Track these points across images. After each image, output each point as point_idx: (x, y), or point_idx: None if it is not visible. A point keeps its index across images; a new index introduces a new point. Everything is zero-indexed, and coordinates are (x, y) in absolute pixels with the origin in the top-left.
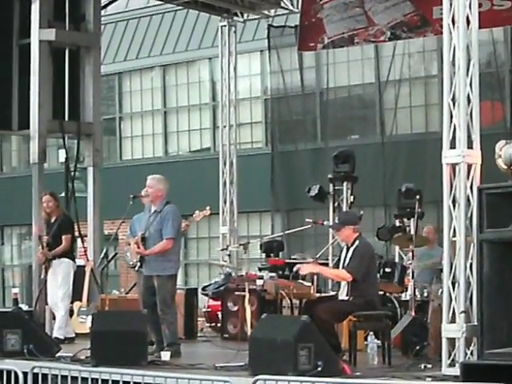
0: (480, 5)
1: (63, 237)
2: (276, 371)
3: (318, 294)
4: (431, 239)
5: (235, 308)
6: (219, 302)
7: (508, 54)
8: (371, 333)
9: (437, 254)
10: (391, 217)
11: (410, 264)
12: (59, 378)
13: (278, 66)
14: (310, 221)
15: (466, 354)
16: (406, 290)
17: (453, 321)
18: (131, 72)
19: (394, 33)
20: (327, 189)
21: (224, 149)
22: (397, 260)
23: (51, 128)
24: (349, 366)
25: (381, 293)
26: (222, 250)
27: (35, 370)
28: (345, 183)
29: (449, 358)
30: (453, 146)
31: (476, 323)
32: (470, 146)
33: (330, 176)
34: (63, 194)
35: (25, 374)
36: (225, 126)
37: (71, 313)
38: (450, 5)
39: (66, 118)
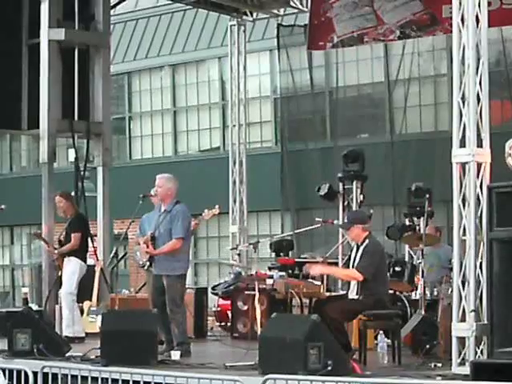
0: (489, 3)
1: (72, 235)
2: (286, 370)
3: (327, 293)
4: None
5: (245, 307)
6: (229, 302)
7: None
8: (381, 332)
9: (443, 253)
10: (401, 216)
11: (420, 263)
12: (69, 377)
13: (287, 65)
14: (320, 220)
15: (476, 353)
16: (416, 289)
17: (463, 320)
18: (141, 71)
19: (404, 32)
20: (337, 188)
21: (233, 148)
22: (406, 259)
23: (61, 127)
24: (359, 364)
25: (391, 292)
26: (232, 249)
27: (45, 370)
28: (354, 182)
29: (459, 356)
30: (462, 144)
31: (486, 322)
32: (479, 144)
33: (339, 175)
34: (73, 194)
35: (35, 373)
36: (234, 126)
37: (82, 312)
38: (460, 3)
39: (76, 118)
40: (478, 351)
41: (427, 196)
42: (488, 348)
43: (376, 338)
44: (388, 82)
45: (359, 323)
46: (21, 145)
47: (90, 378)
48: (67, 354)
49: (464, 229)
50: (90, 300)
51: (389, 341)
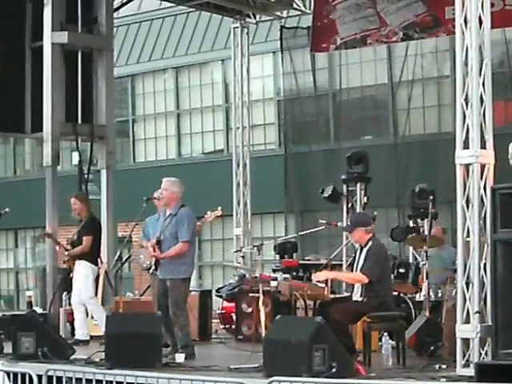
0: (492, 5)
1: (84, 238)
2: (290, 372)
3: (332, 295)
4: (440, 239)
5: (249, 309)
6: (233, 304)
7: None
8: (385, 334)
9: (447, 255)
10: (405, 217)
11: (424, 265)
12: (73, 380)
13: (290, 67)
14: (324, 222)
15: (481, 355)
16: (420, 291)
17: (467, 321)
18: (144, 74)
19: (407, 33)
20: (341, 190)
21: (237, 150)
22: (411, 261)
23: (64, 131)
24: (363, 366)
25: (395, 293)
26: (236, 251)
27: (49, 373)
28: (358, 184)
29: (463, 358)
30: (466, 146)
31: (490, 323)
32: (483, 146)
33: (343, 177)
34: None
35: (39, 376)
36: (238, 128)
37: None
38: (463, 5)
39: (79, 121)
40: (483, 353)
41: (431, 197)
42: (492, 349)
43: (380, 339)
44: (391, 84)
45: (363, 325)
46: (24, 148)
47: (94, 381)
48: (71, 357)
49: (468, 230)
50: None
51: (393, 342)
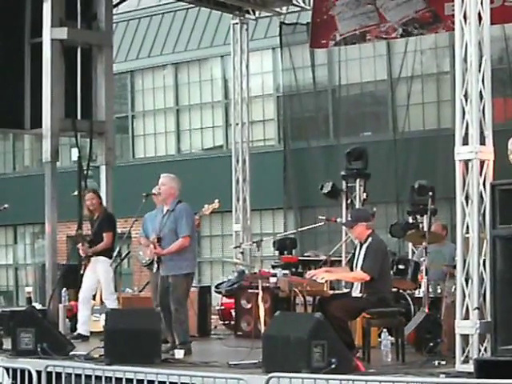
0: (491, 1)
1: (104, 234)
2: (290, 368)
3: (331, 291)
4: (440, 236)
5: (248, 305)
6: (232, 300)
7: None
8: (385, 330)
9: (447, 251)
10: (404, 213)
11: (424, 261)
12: (73, 376)
13: (290, 63)
14: (323, 218)
15: (480, 351)
16: (420, 287)
17: (466, 317)
18: (143, 70)
19: (406, 29)
20: (340, 186)
21: (236, 146)
22: (410, 257)
23: (64, 127)
24: (362, 363)
25: (394, 290)
26: (235, 247)
27: (49, 369)
28: (357, 180)
29: (462, 354)
30: (465, 142)
31: (489, 319)
32: (482, 142)
33: (342, 173)
34: (76, 193)
35: (38, 372)
36: (237, 124)
37: None
38: (462, 1)
39: (79, 117)
40: (482, 349)
41: (430, 194)
42: (492, 345)
43: (379, 335)
44: (391, 80)
45: (363, 321)
46: (24, 144)
47: (93, 377)
48: (71, 353)
49: (467, 226)
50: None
51: (392, 339)
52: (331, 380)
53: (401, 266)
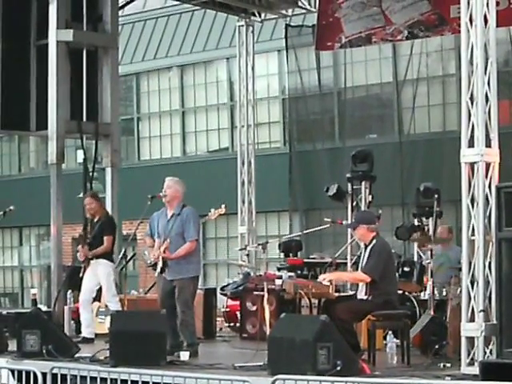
0: (497, 3)
1: (104, 237)
2: (295, 371)
3: (336, 294)
4: (446, 239)
5: (254, 308)
6: (238, 302)
7: None
8: (390, 332)
9: (453, 254)
10: (409, 216)
11: (429, 263)
12: (78, 378)
13: (295, 65)
14: (329, 220)
15: (485, 353)
16: (425, 289)
17: (472, 320)
18: (149, 72)
19: (412, 32)
20: (345, 188)
21: (242, 149)
22: (415, 259)
23: (69, 129)
24: (368, 365)
25: (399, 292)
26: (241, 249)
27: (54, 371)
28: (363, 182)
29: (468, 356)
30: (471, 144)
31: (495, 322)
32: (488, 144)
33: (348, 175)
34: (81, 195)
35: (44, 374)
36: (243, 126)
37: None
38: (468, 3)
39: (84, 119)
40: (487, 351)
41: (436, 196)
42: (497, 348)
43: (385, 338)
44: (396, 83)
45: (368, 323)
46: (29, 146)
47: (99, 379)
48: (76, 355)
49: (473, 229)
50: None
51: (398, 341)
52: (337, 382)
53: (406, 269)
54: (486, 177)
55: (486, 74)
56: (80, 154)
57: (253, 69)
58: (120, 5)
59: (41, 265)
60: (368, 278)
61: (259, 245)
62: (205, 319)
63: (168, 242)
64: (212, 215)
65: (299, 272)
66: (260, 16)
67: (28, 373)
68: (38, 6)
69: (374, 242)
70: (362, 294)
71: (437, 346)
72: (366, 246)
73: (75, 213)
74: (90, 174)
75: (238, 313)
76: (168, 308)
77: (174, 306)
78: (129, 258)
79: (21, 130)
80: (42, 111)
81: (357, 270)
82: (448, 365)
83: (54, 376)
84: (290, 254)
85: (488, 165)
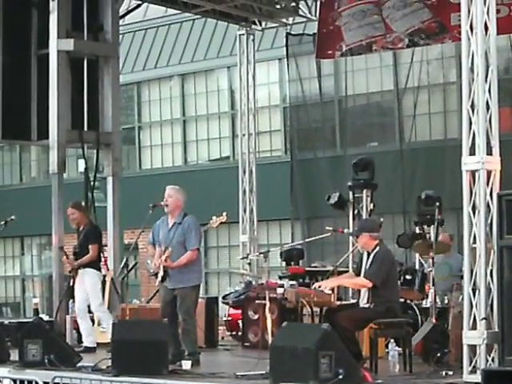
0: (498, 11)
1: (90, 246)
2: (297, 379)
3: (338, 302)
4: (447, 247)
5: (256, 316)
6: (240, 311)
7: None
8: (392, 340)
9: (455, 262)
10: (411, 224)
11: (431, 271)
12: None
13: (296, 74)
14: (330, 229)
15: (487, 361)
16: (427, 297)
17: (474, 327)
18: (150, 81)
19: (412, 40)
20: (347, 196)
21: (243, 157)
22: (417, 267)
23: (70, 138)
24: (370, 373)
25: (401, 300)
26: (242, 258)
27: (56, 380)
28: (364, 191)
29: (470, 364)
30: (472, 152)
31: (497, 330)
32: (489, 152)
33: (349, 184)
34: (83, 204)
35: None
36: (244, 135)
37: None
38: (468, 11)
39: (85, 128)
40: (489, 359)
41: (437, 204)
42: (499, 356)
43: (387, 346)
44: (397, 90)
45: (370, 332)
46: (30, 155)
47: None
48: (78, 365)
49: (474, 236)
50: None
51: (400, 349)
52: None
53: (408, 277)
54: (488, 184)
55: (486, 81)
56: (81, 164)
57: (254, 77)
58: (121, 14)
59: (42, 274)
60: (370, 283)
61: (261, 253)
62: (207, 328)
63: (170, 250)
64: (213, 223)
65: (301, 280)
66: (261, 25)
67: (30, 382)
68: (39, 15)
69: (378, 249)
70: (363, 302)
71: (439, 354)
72: (368, 254)
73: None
74: (92, 183)
75: (239, 321)
76: (169, 317)
77: (176, 315)
78: (130, 267)
79: (22, 139)
80: (43, 121)
81: (357, 276)
82: (450, 373)
83: None
84: (292, 263)
85: (489, 172)
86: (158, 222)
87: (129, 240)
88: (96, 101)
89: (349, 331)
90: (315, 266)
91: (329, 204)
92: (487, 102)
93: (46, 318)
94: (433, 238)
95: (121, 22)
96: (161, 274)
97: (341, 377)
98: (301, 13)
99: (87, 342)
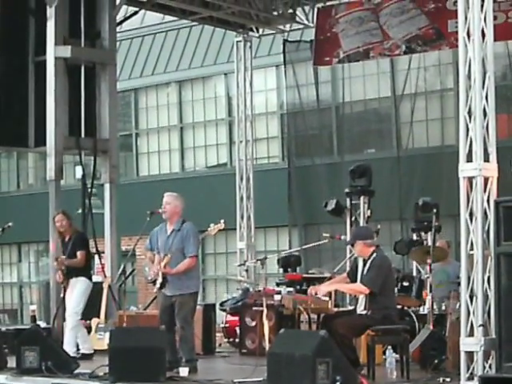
0: (495, 18)
1: (78, 252)
2: None
3: (335, 309)
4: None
5: (253, 323)
6: (237, 318)
7: None
8: (389, 347)
9: (452, 269)
10: (408, 230)
11: (428, 278)
12: None
13: (293, 80)
14: (328, 235)
15: (485, 368)
16: (424, 304)
17: (471, 334)
18: (147, 88)
19: (409, 46)
20: (344, 203)
21: (240, 164)
22: (414, 274)
23: (67, 145)
24: (367, 380)
25: (399, 307)
26: (240, 265)
27: None
28: (361, 197)
29: (467, 371)
30: (469, 159)
31: (494, 336)
32: (486, 159)
33: (346, 190)
34: (80, 211)
35: None
36: (241, 142)
37: (89, 329)
38: (465, 18)
39: (83, 135)
40: (487, 366)
41: (434, 211)
42: (496, 362)
43: (384, 353)
44: (394, 97)
45: (367, 338)
46: (28, 162)
47: None
48: (75, 372)
49: (471, 243)
50: (98, 317)
51: (397, 356)
52: None
53: (405, 283)
54: (485, 191)
55: (483, 88)
56: (78, 170)
57: (251, 84)
58: (118, 21)
59: (40, 281)
60: (367, 289)
61: (258, 260)
62: (204, 335)
63: (169, 256)
64: (211, 231)
65: (298, 287)
66: (258, 31)
67: None
68: (36, 22)
69: (375, 255)
70: (360, 309)
71: (436, 361)
72: (365, 261)
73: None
74: (89, 190)
75: (237, 328)
76: (167, 324)
77: (173, 322)
78: (128, 273)
79: (19, 146)
80: (40, 127)
81: (352, 281)
82: (447, 379)
83: None
84: (289, 270)
85: (486, 179)
86: (155, 228)
87: (126, 247)
88: (93, 107)
89: (346, 338)
90: (313, 273)
91: (326, 210)
92: (484, 109)
93: (43, 324)
94: (430, 245)
95: (118, 28)
96: (159, 280)
97: (338, 383)
98: (298, 20)
99: (84, 348)
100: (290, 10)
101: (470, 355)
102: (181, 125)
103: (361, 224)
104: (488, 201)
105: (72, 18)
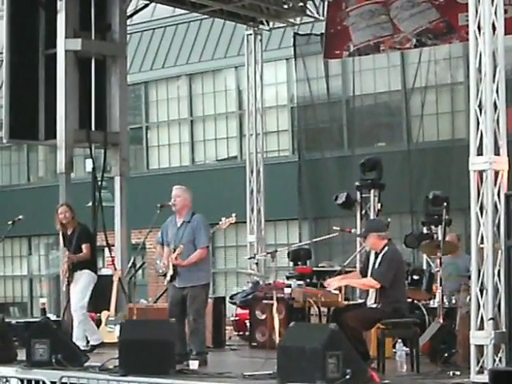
0: (505, 11)
1: (83, 246)
2: (304, 379)
3: (345, 302)
4: (455, 247)
5: (263, 316)
6: (247, 311)
7: None
8: (399, 340)
9: (462, 262)
10: (418, 224)
11: (438, 271)
12: None
13: (304, 74)
14: (338, 229)
15: (495, 361)
16: (434, 298)
17: (481, 328)
18: (157, 81)
19: (420, 40)
20: (354, 196)
21: (251, 157)
22: (424, 267)
23: (78, 138)
24: (377, 373)
25: (409, 300)
26: (250, 258)
27: (63, 380)
28: (372, 191)
29: (477, 364)
30: (480, 152)
31: (504, 330)
32: (496, 152)
33: (357, 184)
34: (90, 204)
35: (53, 383)
36: (251, 135)
37: (99, 322)
38: (476, 11)
39: (93, 128)
40: (497, 359)
41: (445, 204)
42: (506, 356)
43: (394, 346)
44: (405, 91)
45: (377, 332)
46: (38, 155)
47: None
48: (85, 364)
49: (482, 237)
50: (108, 310)
51: (407, 349)
52: None
53: (415, 277)
54: (495, 185)
55: (494, 81)
56: (89, 163)
57: (261, 77)
58: (128, 14)
59: (50, 274)
60: (378, 284)
61: (268, 253)
62: (214, 328)
63: (181, 247)
64: (223, 225)
65: (308, 280)
66: (268, 25)
67: (37, 382)
68: (47, 15)
69: (386, 249)
70: (371, 302)
71: (446, 354)
72: (376, 254)
73: (84, 222)
74: (99, 183)
75: (247, 321)
76: (177, 316)
77: (183, 315)
78: (138, 266)
79: (29, 139)
80: (50, 120)
81: (364, 277)
82: (457, 373)
83: None
84: (299, 263)
85: (497, 173)
86: (166, 221)
87: (136, 240)
88: (103, 100)
89: (356, 331)
90: (322, 266)
91: (336, 204)
92: (495, 102)
93: (53, 317)
94: (440, 238)
95: (128, 21)
96: (170, 272)
97: (348, 377)
98: (308, 13)
99: (92, 340)
100: (301, 3)
101: (480, 349)
102: (191, 118)
103: (371, 218)
104: (498, 194)
105: (82, 10)
